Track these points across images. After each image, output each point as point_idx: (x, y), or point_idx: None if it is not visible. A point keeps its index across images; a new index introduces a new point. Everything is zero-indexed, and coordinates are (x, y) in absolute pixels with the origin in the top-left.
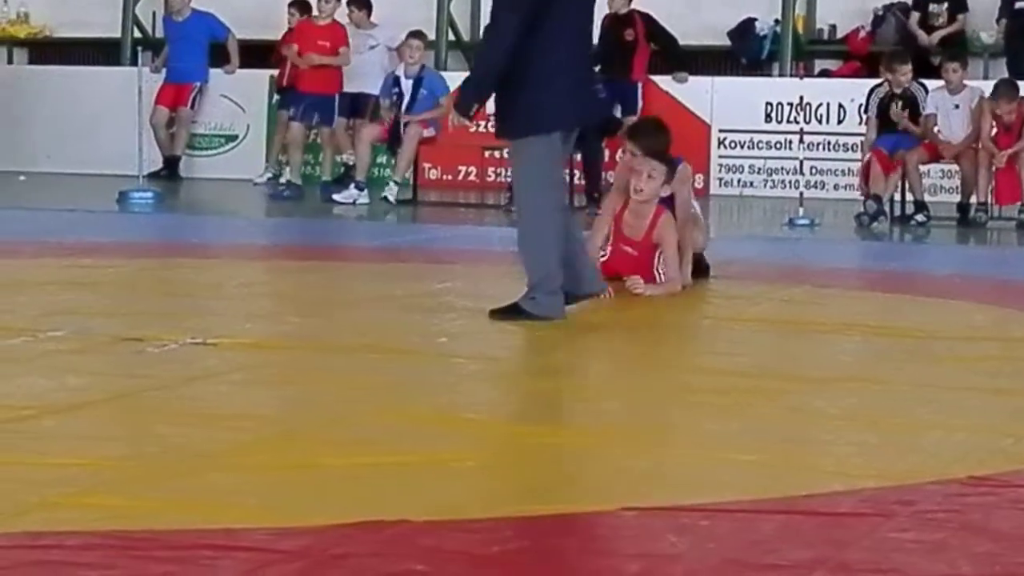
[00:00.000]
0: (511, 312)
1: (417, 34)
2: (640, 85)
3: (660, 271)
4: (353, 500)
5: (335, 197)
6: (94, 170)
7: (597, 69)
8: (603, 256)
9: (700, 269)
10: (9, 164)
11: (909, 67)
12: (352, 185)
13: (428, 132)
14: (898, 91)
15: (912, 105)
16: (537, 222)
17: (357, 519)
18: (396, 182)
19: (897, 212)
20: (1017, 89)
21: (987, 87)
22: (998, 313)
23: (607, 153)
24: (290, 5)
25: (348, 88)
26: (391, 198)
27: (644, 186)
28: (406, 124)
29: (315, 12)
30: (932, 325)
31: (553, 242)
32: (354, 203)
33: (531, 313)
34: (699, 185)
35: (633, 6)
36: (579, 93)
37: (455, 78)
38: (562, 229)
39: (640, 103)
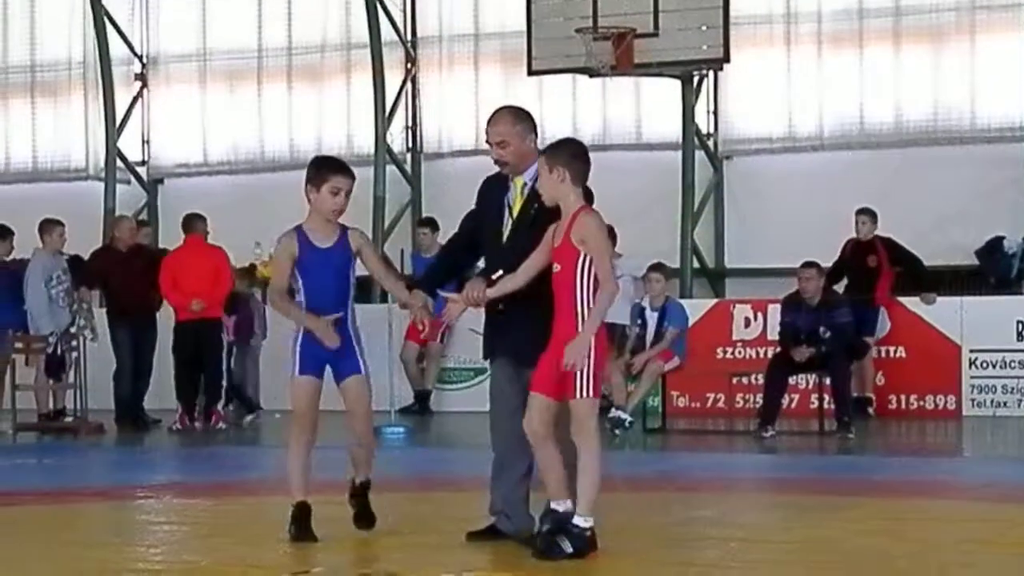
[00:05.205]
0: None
1: (657, 267)
2: (882, 309)
3: (584, 296)
4: None
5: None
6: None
7: (843, 291)
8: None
9: None
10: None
11: None
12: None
13: (672, 363)
14: None
15: None
16: None
17: None
18: (626, 412)
19: None
20: None
21: None
22: None
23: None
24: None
25: None
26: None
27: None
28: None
29: None
30: None
31: None
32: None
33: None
34: (951, 406)
35: (878, 231)
36: None
37: (699, 305)
38: None
39: (887, 325)
